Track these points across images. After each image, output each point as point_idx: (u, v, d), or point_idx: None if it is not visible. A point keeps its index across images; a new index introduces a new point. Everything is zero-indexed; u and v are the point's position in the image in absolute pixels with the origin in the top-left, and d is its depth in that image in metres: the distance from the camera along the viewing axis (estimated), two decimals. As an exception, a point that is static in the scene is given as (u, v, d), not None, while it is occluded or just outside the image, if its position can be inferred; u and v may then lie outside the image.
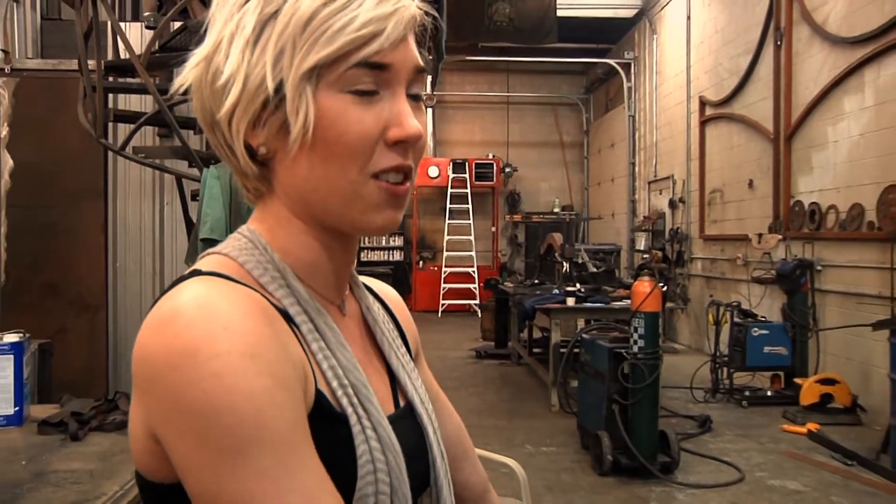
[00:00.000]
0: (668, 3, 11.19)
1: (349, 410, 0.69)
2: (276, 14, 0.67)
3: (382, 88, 0.69)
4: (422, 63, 0.73)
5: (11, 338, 2.14)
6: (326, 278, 0.77)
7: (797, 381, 6.37)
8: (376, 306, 0.88)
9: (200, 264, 0.72)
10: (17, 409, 2.13)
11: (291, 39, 0.66)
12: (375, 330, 0.85)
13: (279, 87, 0.67)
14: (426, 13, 0.73)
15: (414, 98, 0.72)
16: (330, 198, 0.70)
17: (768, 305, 7.59)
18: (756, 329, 6.71)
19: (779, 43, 7.68)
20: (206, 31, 0.73)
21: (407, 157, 0.71)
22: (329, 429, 0.67)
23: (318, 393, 0.67)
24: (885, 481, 4.66)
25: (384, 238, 15.00)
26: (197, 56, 0.71)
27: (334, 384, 0.69)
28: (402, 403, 0.83)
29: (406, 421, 0.80)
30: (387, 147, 0.70)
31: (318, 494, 0.60)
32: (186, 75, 0.72)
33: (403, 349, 0.88)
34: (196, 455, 0.59)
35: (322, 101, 0.67)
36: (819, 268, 6.87)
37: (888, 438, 4.95)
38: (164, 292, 0.67)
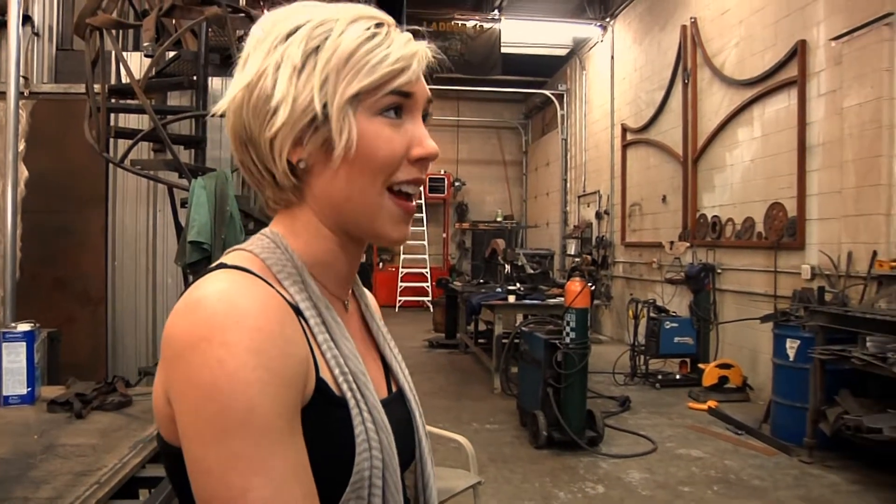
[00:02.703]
0: (595, 44, 11.33)
1: (349, 395, 0.69)
2: (318, 49, 0.69)
3: (405, 114, 0.73)
4: (430, 95, 0.76)
5: (24, 327, 2.11)
6: (337, 278, 0.77)
7: (700, 366, 6.54)
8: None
9: (226, 258, 0.72)
10: (29, 389, 2.11)
11: (335, 69, 0.68)
12: (372, 325, 0.86)
13: (324, 109, 0.68)
14: (434, 55, 0.75)
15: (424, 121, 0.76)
16: (359, 208, 0.72)
17: (678, 302, 7.73)
18: (668, 322, 6.83)
19: (686, 82, 7.85)
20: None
21: (422, 172, 0.75)
22: (331, 411, 0.67)
23: (321, 381, 0.67)
24: (765, 445, 4.86)
25: (349, 242, 14.86)
26: (237, 84, 0.71)
27: (336, 372, 0.69)
28: (394, 389, 0.83)
29: (397, 404, 0.81)
30: (409, 163, 0.73)
31: (285, 482, 0.59)
32: (227, 101, 0.72)
33: (394, 342, 0.88)
34: (192, 424, 0.60)
35: (361, 124, 0.69)
36: (719, 271, 7.02)
37: (769, 411, 5.17)
38: (193, 281, 0.67)
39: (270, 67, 0.69)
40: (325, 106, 0.68)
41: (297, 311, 0.69)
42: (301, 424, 0.64)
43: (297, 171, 0.72)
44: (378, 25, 0.71)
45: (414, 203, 0.76)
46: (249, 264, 0.70)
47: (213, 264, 0.71)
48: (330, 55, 0.68)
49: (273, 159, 0.71)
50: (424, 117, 0.76)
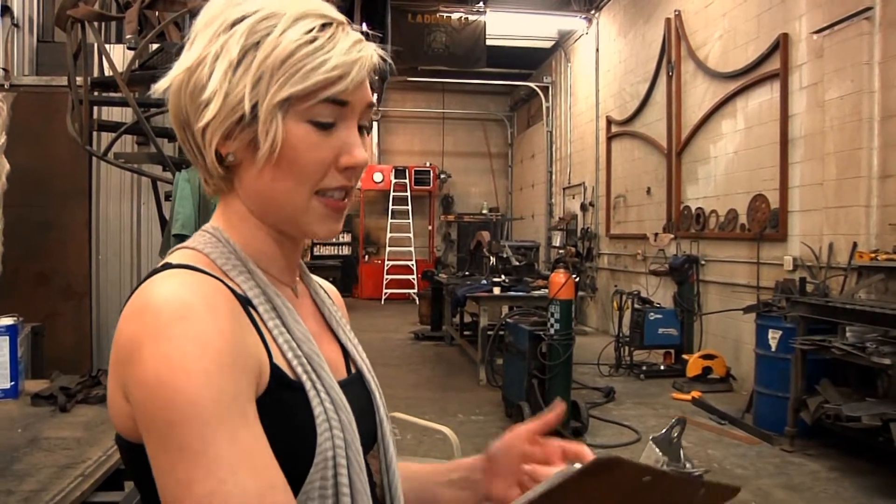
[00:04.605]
0: (580, 37, 11.35)
1: (304, 378, 0.69)
2: (258, 44, 0.68)
3: (339, 121, 0.71)
4: (373, 100, 0.74)
5: (7, 321, 2.10)
6: (280, 265, 0.78)
7: (684, 356, 6.58)
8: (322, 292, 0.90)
9: (171, 258, 0.72)
10: (13, 383, 2.11)
11: (270, 70, 0.67)
12: (324, 310, 0.86)
13: (253, 108, 0.67)
14: (382, 58, 0.74)
15: (360, 129, 0.74)
16: (285, 207, 0.72)
17: (662, 294, 7.78)
18: (652, 314, 6.88)
19: (670, 74, 7.88)
20: (183, 46, 0.73)
21: (351, 180, 0.74)
22: (289, 396, 0.68)
23: (275, 368, 0.67)
24: (748, 435, 4.91)
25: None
26: (180, 65, 0.71)
27: (290, 356, 0.70)
28: (353, 371, 0.83)
29: (356, 386, 0.81)
30: (336, 171, 0.72)
31: (232, 473, 0.59)
32: (167, 80, 0.71)
33: (349, 326, 0.89)
34: (144, 422, 0.61)
35: (289, 128, 0.68)
36: (703, 262, 7.07)
37: (751, 401, 5.23)
38: (142, 280, 0.67)
39: (210, 56, 0.69)
40: (254, 106, 0.68)
41: (247, 302, 0.70)
42: (258, 414, 0.63)
43: (226, 163, 0.72)
44: (325, 25, 0.70)
45: (345, 202, 0.75)
46: (194, 261, 0.70)
47: (159, 264, 0.71)
48: (267, 54, 0.68)
49: (203, 147, 0.71)
50: (364, 126, 0.76)
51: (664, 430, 0.75)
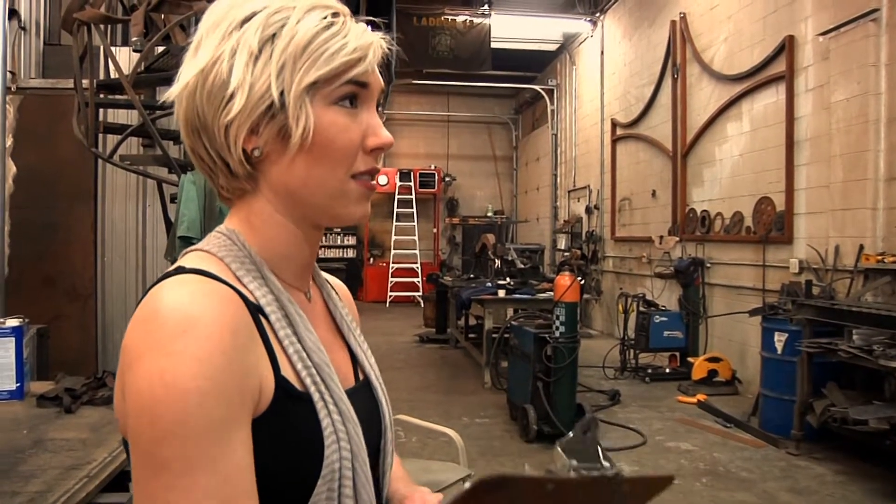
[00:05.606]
0: (585, 39, 11.34)
1: (312, 389, 0.69)
2: (274, 36, 0.68)
3: (360, 104, 0.73)
4: (383, 85, 0.77)
5: (13, 322, 2.11)
6: (296, 269, 0.77)
7: (690, 359, 6.56)
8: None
9: (184, 261, 0.70)
10: (18, 385, 2.11)
11: (293, 57, 0.68)
12: (336, 314, 0.85)
13: (280, 96, 0.68)
14: (388, 46, 0.76)
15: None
16: (319, 193, 0.72)
17: (667, 297, 7.76)
18: (657, 317, 6.86)
19: (675, 77, 7.88)
20: (188, 49, 0.72)
21: (378, 162, 0.75)
22: (296, 408, 0.67)
23: (282, 380, 0.67)
24: (754, 438, 4.90)
25: (339, 237, 14.91)
26: (190, 70, 0.70)
27: (299, 366, 0.69)
28: (360, 378, 0.83)
29: (363, 393, 0.81)
30: (364, 153, 0.73)
31: (204, 498, 0.58)
32: (180, 85, 0.70)
33: (359, 330, 0.88)
34: (132, 429, 0.60)
35: (318, 112, 0.69)
36: (708, 265, 7.06)
37: (757, 404, 5.21)
38: (154, 283, 0.66)
39: (226, 53, 0.68)
40: (281, 94, 0.68)
41: (259, 310, 0.69)
42: (262, 429, 0.63)
43: (252, 160, 0.71)
44: (334, 15, 0.72)
45: (374, 183, 0.76)
46: (208, 265, 0.69)
47: (171, 267, 0.70)
48: (287, 43, 0.68)
49: (227, 147, 0.70)
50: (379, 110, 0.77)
51: (572, 432, 0.75)
